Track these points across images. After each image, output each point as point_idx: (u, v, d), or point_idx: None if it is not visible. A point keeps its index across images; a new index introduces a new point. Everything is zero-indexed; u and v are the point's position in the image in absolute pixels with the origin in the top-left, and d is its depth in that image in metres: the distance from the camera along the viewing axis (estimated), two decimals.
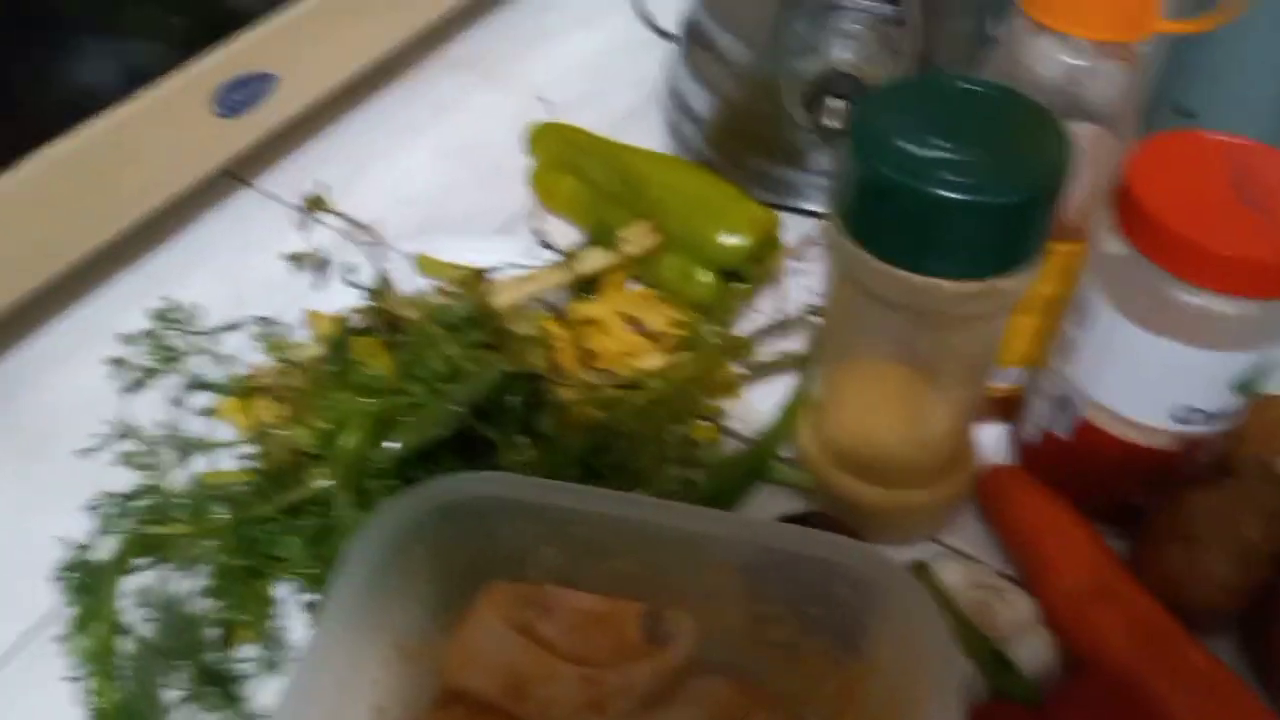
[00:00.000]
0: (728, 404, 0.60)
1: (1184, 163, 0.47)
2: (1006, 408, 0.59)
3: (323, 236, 0.67)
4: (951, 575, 0.50)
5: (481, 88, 0.84)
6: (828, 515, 0.53)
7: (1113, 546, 0.53)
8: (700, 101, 0.75)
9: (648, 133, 0.79)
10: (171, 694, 0.47)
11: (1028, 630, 0.49)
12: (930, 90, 0.45)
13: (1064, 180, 0.42)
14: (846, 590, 0.42)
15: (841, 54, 0.65)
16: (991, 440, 0.59)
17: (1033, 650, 0.48)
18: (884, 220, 0.43)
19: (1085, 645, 0.49)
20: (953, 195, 0.40)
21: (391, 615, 0.42)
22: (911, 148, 0.41)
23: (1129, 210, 0.46)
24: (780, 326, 0.63)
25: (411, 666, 0.44)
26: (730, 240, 0.62)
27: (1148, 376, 0.49)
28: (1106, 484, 0.54)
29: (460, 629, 0.44)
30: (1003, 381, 0.58)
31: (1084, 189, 0.49)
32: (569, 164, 0.71)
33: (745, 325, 0.64)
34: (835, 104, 0.65)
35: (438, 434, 0.48)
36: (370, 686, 0.42)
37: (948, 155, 0.41)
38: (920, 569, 0.50)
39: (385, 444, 0.48)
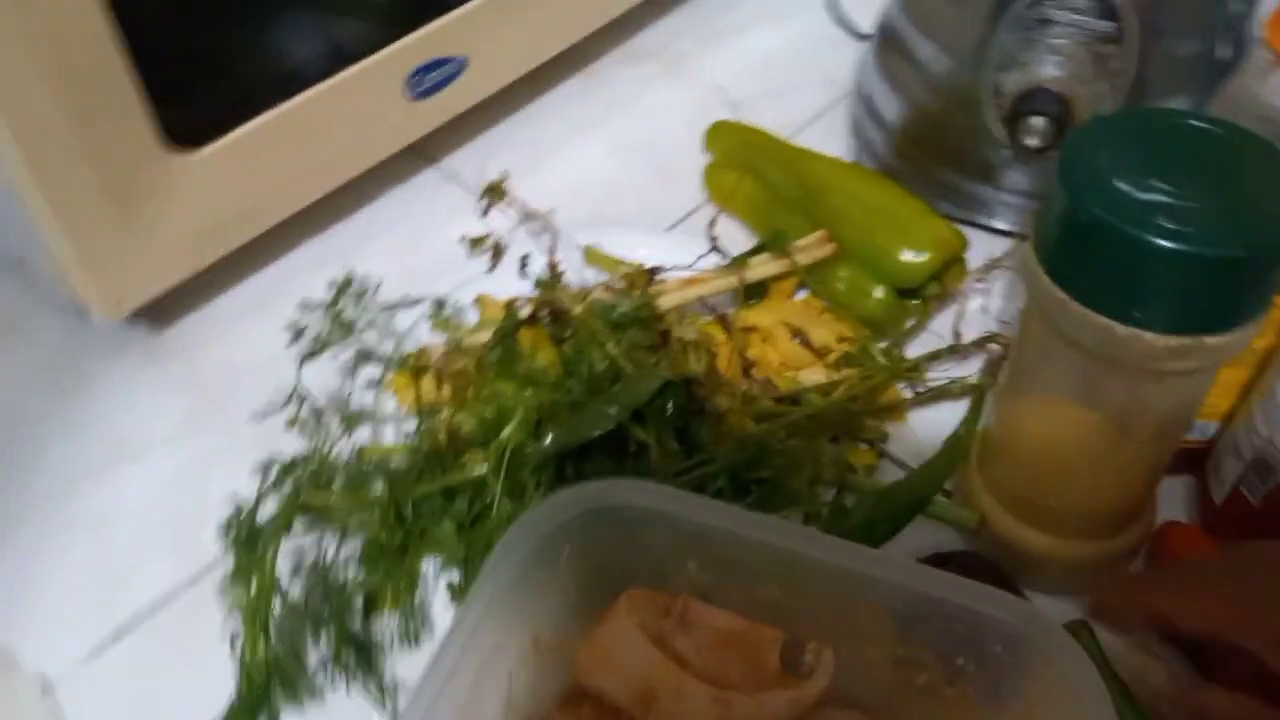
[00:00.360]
0: (892, 428, 0.58)
1: None
2: (1195, 461, 0.55)
3: (499, 222, 0.68)
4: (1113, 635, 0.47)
5: (662, 81, 0.83)
6: (980, 556, 0.51)
7: None
8: (890, 107, 0.72)
9: (831, 135, 0.77)
10: (315, 655, 0.48)
11: None
12: (1152, 124, 0.42)
13: None
14: (999, 646, 0.39)
15: (1049, 70, 0.62)
16: (1173, 493, 0.55)
17: None
18: (1089, 263, 0.40)
19: None
20: (1168, 244, 0.37)
21: (532, 609, 0.43)
22: (1126, 187, 0.38)
23: None
24: (955, 351, 0.60)
25: (545, 659, 0.44)
26: (912, 257, 0.60)
27: None
28: None
29: (597, 629, 0.44)
30: (1196, 434, 0.54)
31: None
32: (746, 164, 0.69)
33: (917, 346, 0.62)
34: (1037, 122, 0.62)
35: (593, 434, 0.48)
36: (505, 679, 0.42)
37: (1166, 199, 0.38)
38: (1081, 628, 0.47)
39: (542, 439, 0.48)
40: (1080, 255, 0.40)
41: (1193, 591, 0.41)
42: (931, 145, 0.70)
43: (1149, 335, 0.39)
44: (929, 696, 0.43)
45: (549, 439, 0.48)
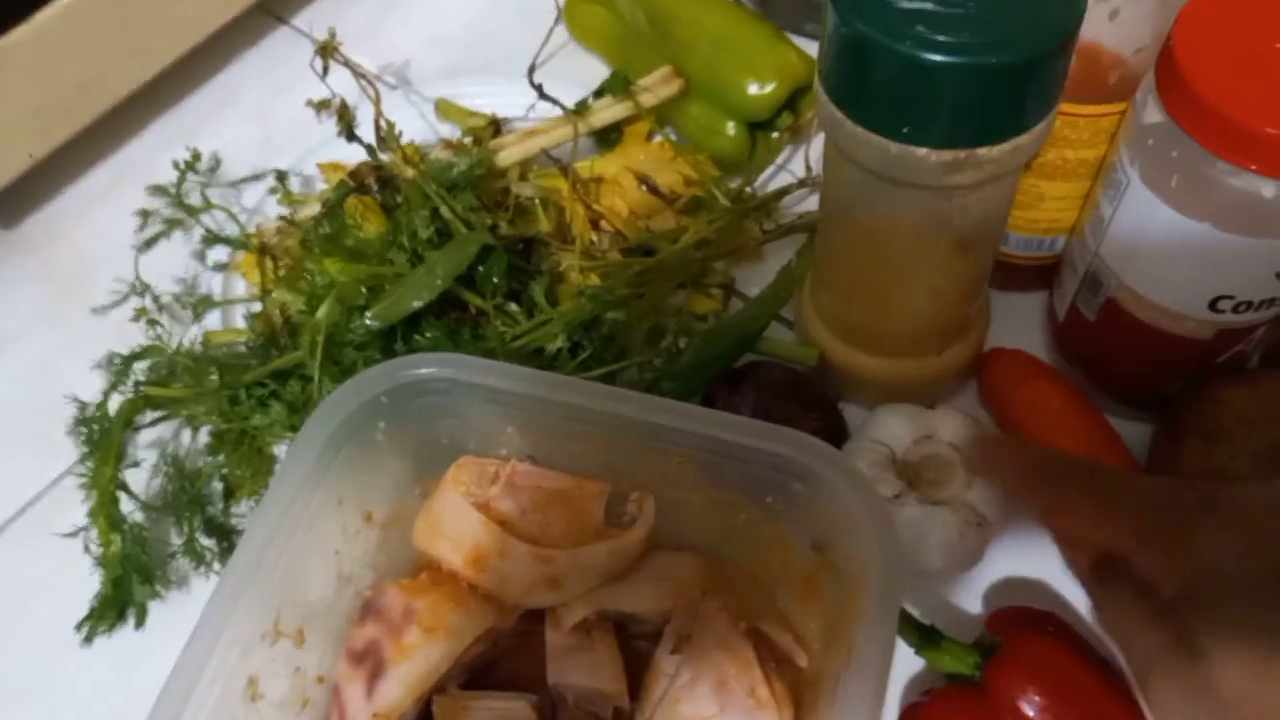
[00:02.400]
0: (746, 269, 0.57)
1: (1243, 24, 0.40)
2: (1047, 278, 0.54)
3: (351, 84, 0.66)
4: (945, 425, 0.48)
5: None
6: (777, 365, 0.51)
7: (1137, 435, 0.49)
8: None
9: None
10: (174, 545, 0.50)
11: (965, 532, 0.46)
12: None
13: (1067, 40, 0.37)
14: (800, 486, 0.40)
15: None
16: (1029, 309, 0.55)
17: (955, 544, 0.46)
18: (858, 80, 0.38)
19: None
20: (928, 55, 0.35)
21: (355, 487, 0.43)
22: None
23: (1171, 76, 0.40)
24: (804, 184, 0.58)
25: (384, 533, 0.46)
26: (758, 89, 0.58)
27: (1182, 261, 0.44)
28: (1132, 370, 0.50)
29: (428, 500, 0.45)
30: (1042, 250, 0.53)
31: (1145, 40, 0.43)
32: None
33: (776, 182, 0.61)
34: None
35: (415, 306, 0.48)
36: (331, 556, 0.43)
37: (931, 7, 0.36)
38: None
39: (366, 315, 0.47)
40: (850, 73, 0.38)
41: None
42: None
43: (920, 151, 0.38)
44: (752, 534, 0.44)
45: (369, 315, 0.47)
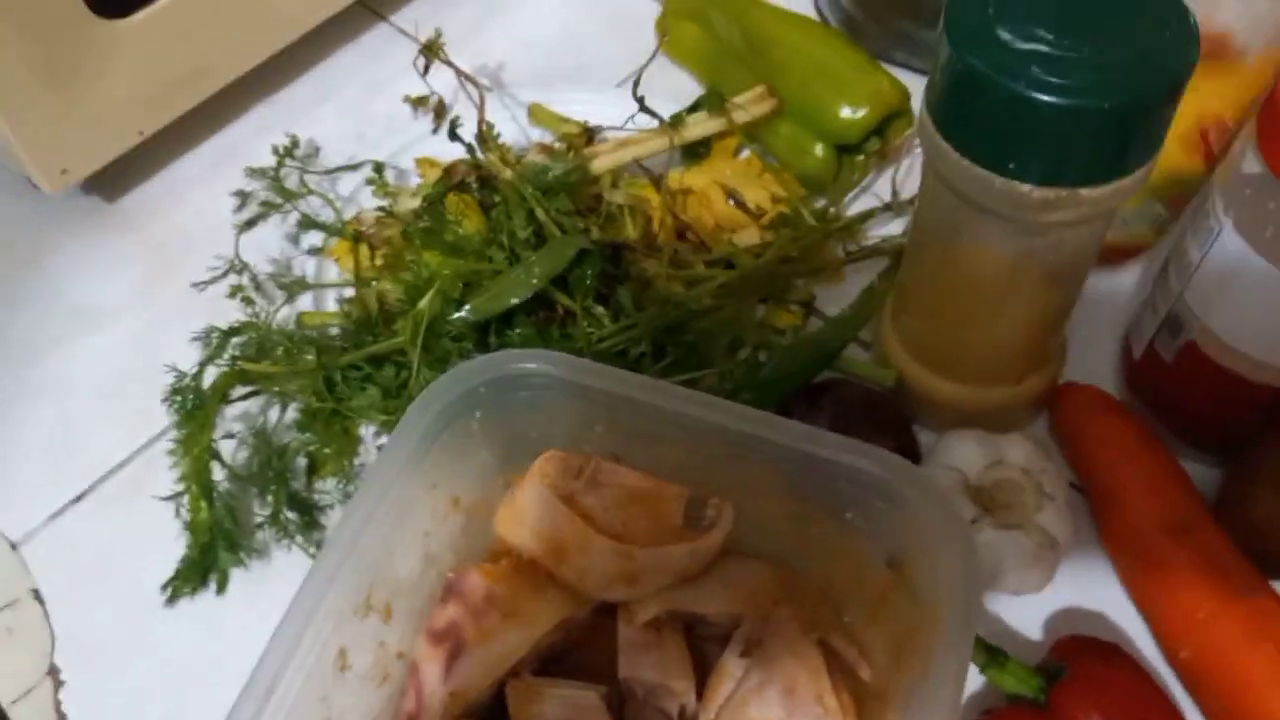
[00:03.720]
0: (827, 288, 0.58)
1: None
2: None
3: (447, 82, 0.68)
4: (1016, 451, 0.49)
5: None
6: (856, 384, 0.52)
7: (1204, 478, 0.50)
8: None
9: None
10: (259, 516, 0.51)
11: (1040, 555, 0.47)
12: None
13: (1176, 87, 0.38)
14: (882, 503, 0.41)
15: None
16: (1107, 345, 0.56)
17: (1031, 568, 0.47)
18: (968, 113, 0.40)
19: (1150, 583, 0.47)
20: (1039, 96, 0.36)
21: (448, 473, 0.45)
22: (1008, 36, 0.38)
23: (1272, 127, 0.41)
24: (890, 208, 0.60)
25: (468, 519, 0.47)
26: (850, 113, 0.59)
27: (1271, 311, 0.44)
28: (1207, 413, 0.50)
29: (514, 490, 0.46)
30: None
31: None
32: (696, 14, 0.68)
33: (860, 204, 0.62)
34: None
35: (512, 302, 0.49)
36: (421, 537, 0.45)
37: (1045, 49, 0.37)
38: None
39: (464, 308, 0.49)
40: (960, 105, 0.40)
41: None
42: None
43: (1023, 186, 0.39)
44: (826, 546, 0.45)
45: (467, 309, 0.49)
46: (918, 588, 0.42)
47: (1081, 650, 0.44)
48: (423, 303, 0.48)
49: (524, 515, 0.45)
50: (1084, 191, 0.39)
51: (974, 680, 0.44)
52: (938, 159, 0.42)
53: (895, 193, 0.61)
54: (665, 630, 0.45)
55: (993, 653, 0.43)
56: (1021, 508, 0.48)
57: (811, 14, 0.72)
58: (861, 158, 0.62)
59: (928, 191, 0.46)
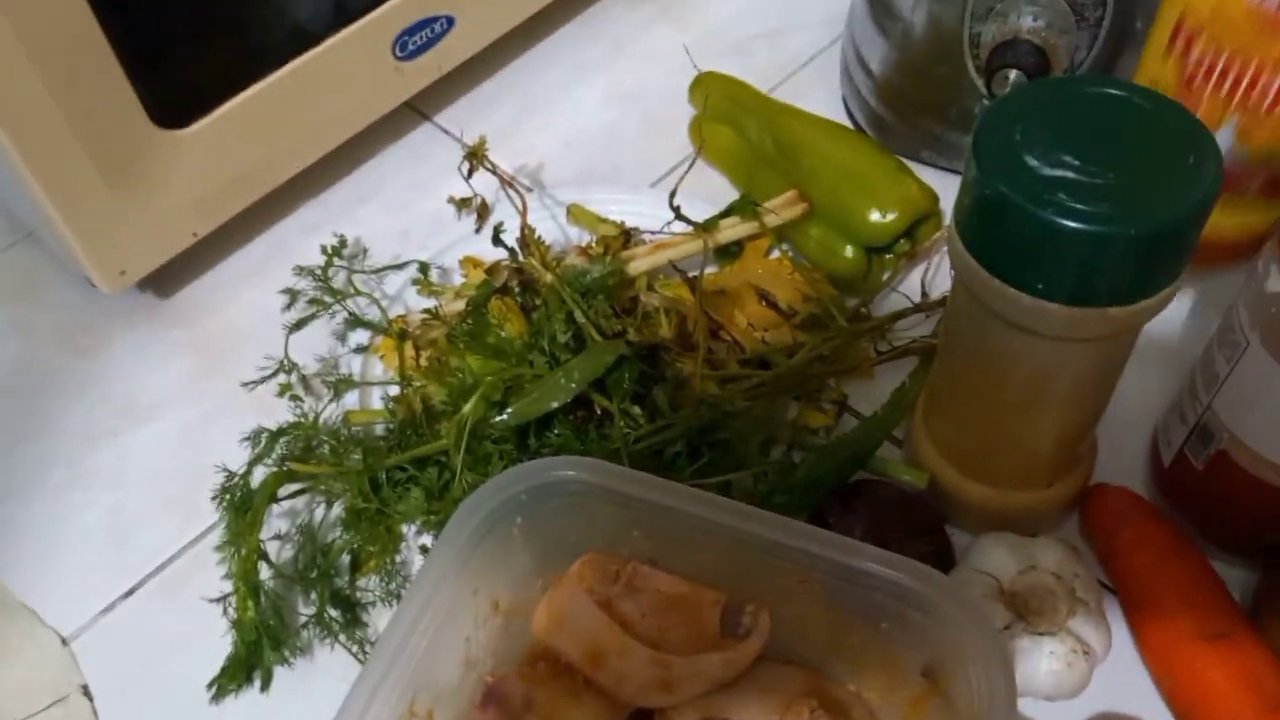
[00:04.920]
0: (857, 386, 0.59)
1: None
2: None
3: (488, 181, 0.70)
4: (1048, 556, 0.50)
5: (660, 23, 0.83)
6: (891, 485, 0.53)
7: (1237, 581, 0.50)
8: (876, 54, 0.72)
9: (827, 77, 0.77)
10: (302, 614, 0.53)
11: (1074, 662, 0.47)
12: (1075, 95, 0.42)
13: (1201, 213, 0.39)
14: (917, 613, 0.42)
15: (1026, 21, 0.61)
16: (1134, 450, 0.56)
17: (1065, 674, 0.47)
18: (996, 235, 0.41)
19: (1187, 690, 0.47)
20: (1067, 223, 0.38)
21: (489, 577, 0.46)
22: (1035, 162, 0.39)
23: None
24: (919, 308, 0.61)
25: (506, 621, 0.48)
26: (880, 218, 0.61)
27: None
28: (1240, 519, 0.51)
29: (552, 594, 0.47)
30: None
31: None
32: (729, 118, 0.70)
33: (889, 304, 0.63)
34: (1013, 75, 0.62)
35: (552, 406, 0.51)
36: (463, 642, 0.46)
37: (1072, 175, 0.39)
38: None
39: (505, 412, 0.50)
40: (988, 227, 0.41)
41: None
42: (915, 93, 0.70)
43: (1051, 306, 0.40)
44: (862, 654, 0.46)
45: (508, 413, 0.50)
46: (954, 698, 0.42)
47: None
48: (466, 407, 0.50)
49: (562, 619, 0.46)
50: (1112, 311, 0.40)
51: None
52: (966, 275, 0.43)
53: (925, 293, 0.62)
54: None
55: None
56: (1055, 614, 0.48)
57: (840, 114, 0.74)
58: (891, 257, 0.63)
59: (956, 303, 0.47)
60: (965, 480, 0.53)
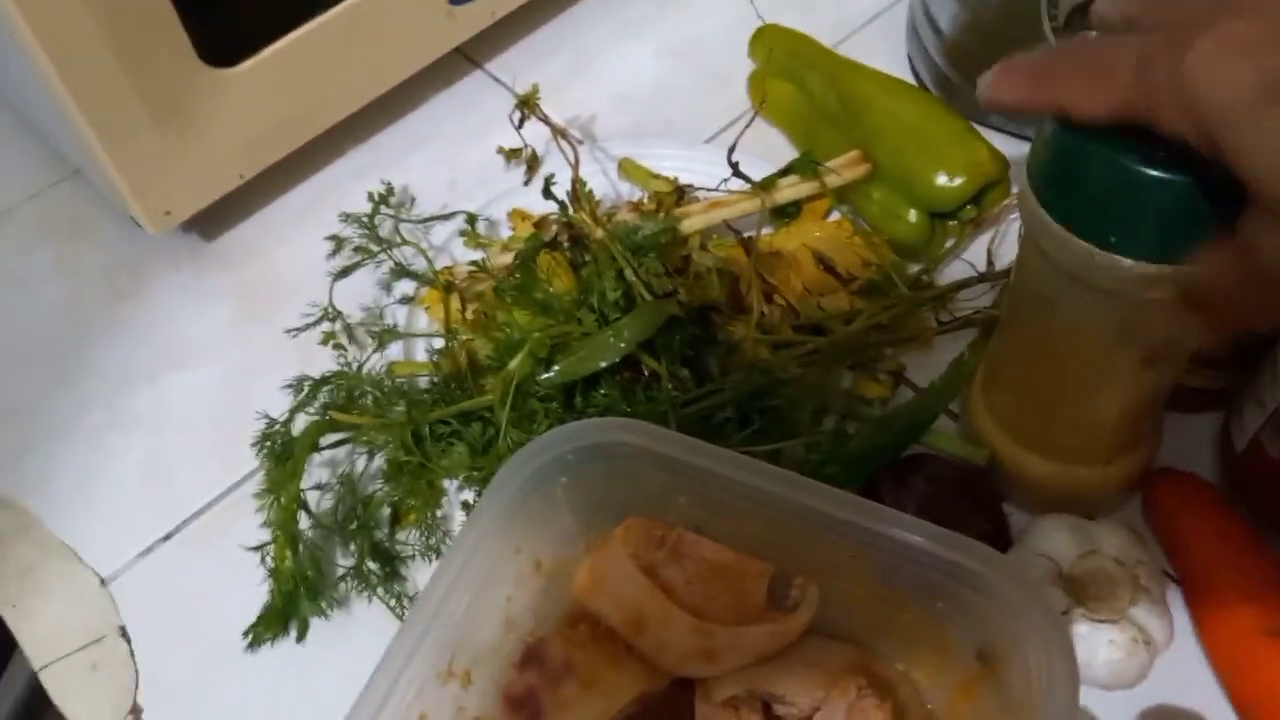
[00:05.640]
0: (917, 356, 0.57)
1: None
2: (1223, 400, 0.53)
3: (538, 133, 0.68)
4: (1110, 540, 0.48)
5: None
6: (948, 462, 0.51)
7: None
8: (946, 12, 0.69)
9: (889, 36, 0.74)
10: (340, 566, 0.52)
11: (1134, 651, 0.46)
12: None
13: None
14: (972, 593, 0.40)
15: None
16: (1201, 432, 0.54)
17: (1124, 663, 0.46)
18: (1070, 186, 0.39)
19: (1251, 687, 0.46)
20: (1145, 170, 0.36)
21: (532, 537, 0.45)
22: None
23: None
24: (984, 278, 0.59)
25: (548, 582, 0.47)
26: (946, 181, 0.58)
27: None
28: None
29: (595, 556, 0.46)
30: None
31: None
32: (790, 73, 0.68)
33: (954, 271, 0.61)
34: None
35: (600, 365, 0.49)
36: (503, 601, 0.45)
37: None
38: None
39: (552, 369, 0.49)
40: (1061, 177, 0.39)
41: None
42: (985, 55, 0.66)
43: (1125, 261, 0.38)
44: (913, 633, 0.44)
45: (555, 370, 0.49)
46: (1009, 683, 0.40)
47: None
48: (513, 363, 0.48)
49: (604, 582, 0.45)
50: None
51: None
52: (1037, 230, 0.41)
53: (990, 263, 0.59)
54: (743, 709, 0.45)
55: None
56: (1115, 600, 0.46)
57: (907, 75, 0.71)
58: (956, 224, 0.61)
59: (1024, 263, 0.45)
60: (1024, 453, 0.51)
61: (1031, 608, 0.39)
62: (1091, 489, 0.51)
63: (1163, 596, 0.47)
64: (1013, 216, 0.61)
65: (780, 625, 0.44)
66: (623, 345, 0.49)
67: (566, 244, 0.55)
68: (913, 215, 0.59)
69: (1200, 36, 0.31)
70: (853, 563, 0.43)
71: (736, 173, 0.57)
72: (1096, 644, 0.45)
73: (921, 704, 0.45)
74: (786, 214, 0.62)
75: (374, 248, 0.62)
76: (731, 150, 0.57)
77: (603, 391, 0.50)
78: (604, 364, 0.49)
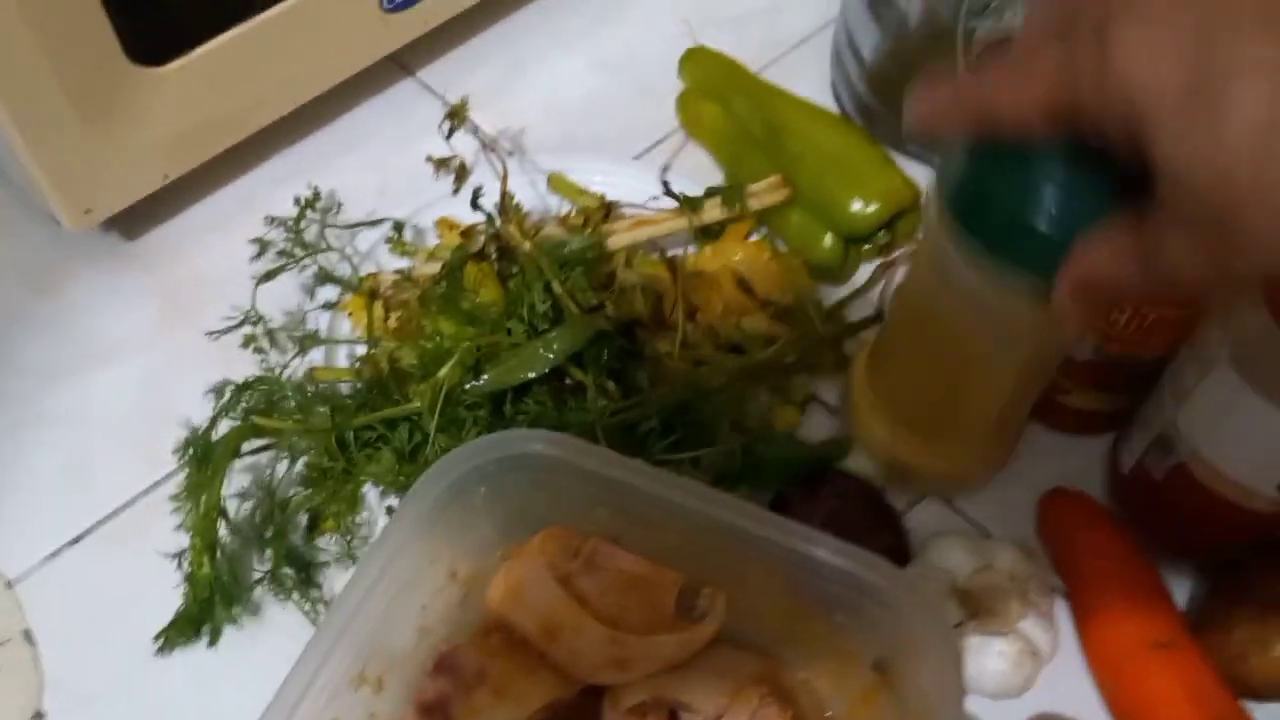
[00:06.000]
0: (828, 381, 0.59)
1: None
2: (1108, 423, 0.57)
3: (469, 143, 0.69)
4: (1003, 556, 0.50)
5: None
6: (853, 477, 0.54)
7: (1182, 588, 0.51)
8: (868, 40, 0.71)
9: (818, 60, 0.76)
10: (257, 570, 0.52)
11: (1021, 662, 0.48)
12: None
13: None
14: (873, 606, 0.42)
15: (1020, 20, 0.61)
16: (1090, 451, 0.57)
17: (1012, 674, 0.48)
18: (972, 214, 0.40)
19: (1131, 697, 0.48)
20: (1031, 221, 0.37)
21: (449, 546, 0.46)
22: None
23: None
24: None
25: (464, 590, 0.48)
26: (861, 208, 0.60)
27: (1262, 445, 0.46)
28: (1194, 532, 0.51)
29: (510, 565, 0.47)
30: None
31: None
32: (717, 95, 0.69)
33: (864, 300, 0.63)
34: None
35: (529, 376, 0.50)
36: (418, 609, 0.45)
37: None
38: None
39: (482, 378, 0.50)
40: (964, 206, 0.40)
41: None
42: (905, 83, 0.68)
43: (1014, 284, 0.39)
44: (816, 644, 0.46)
45: (484, 379, 0.50)
46: (903, 691, 0.42)
47: None
48: (443, 372, 0.49)
49: (520, 592, 0.46)
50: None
51: None
52: (934, 247, 0.43)
53: (881, 310, 0.61)
54: (650, 716, 0.46)
55: None
56: (1006, 614, 0.49)
57: (829, 100, 0.73)
58: (870, 248, 0.63)
59: (917, 268, 0.48)
60: (903, 435, 0.54)
61: (925, 619, 0.41)
62: (960, 470, 0.54)
63: (1050, 610, 0.50)
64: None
65: (688, 634, 0.45)
66: (552, 356, 0.50)
67: (494, 255, 0.56)
68: (829, 239, 0.62)
69: (1121, 23, 0.29)
70: (762, 574, 0.44)
71: (668, 193, 0.59)
72: (987, 655, 0.48)
73: (822, 712, 0.47)
74: (710, 233, 0.63)
75: (299, 252, 0.62)
76: (664, 170, 0.59)
77: (532, 400, 0.51)
78: (533, 374, 0.50)
